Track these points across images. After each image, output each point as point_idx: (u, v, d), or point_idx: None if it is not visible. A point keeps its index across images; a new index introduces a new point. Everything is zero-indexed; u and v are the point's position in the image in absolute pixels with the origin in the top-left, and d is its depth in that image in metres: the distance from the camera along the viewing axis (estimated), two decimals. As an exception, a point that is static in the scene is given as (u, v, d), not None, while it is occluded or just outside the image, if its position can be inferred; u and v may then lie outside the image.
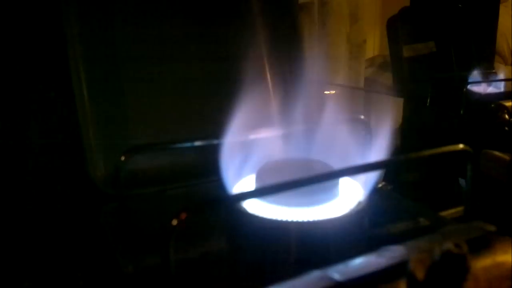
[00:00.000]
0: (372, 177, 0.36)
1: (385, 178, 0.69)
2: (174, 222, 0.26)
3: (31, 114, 0.52)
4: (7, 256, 0.45)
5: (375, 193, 0.39)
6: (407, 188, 0.66)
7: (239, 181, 0.37)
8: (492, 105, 0.78)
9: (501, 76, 0.92)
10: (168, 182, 0.46)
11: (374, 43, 1.79)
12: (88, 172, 0.45)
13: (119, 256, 0.35)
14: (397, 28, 0.92)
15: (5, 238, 0.47)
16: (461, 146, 0.36)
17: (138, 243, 0.36)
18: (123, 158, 0.35)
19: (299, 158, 0.38)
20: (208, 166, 0.37)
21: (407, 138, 1.00)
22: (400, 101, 1.03)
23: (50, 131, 0.52)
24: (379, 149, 0.38)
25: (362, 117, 0.44)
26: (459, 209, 0.45)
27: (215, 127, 0.39)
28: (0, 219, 0.49)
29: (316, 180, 0.31)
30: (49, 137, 0.51)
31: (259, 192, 0.31)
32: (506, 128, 0.74)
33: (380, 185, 0.47)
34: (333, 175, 0.34)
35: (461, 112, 0.80)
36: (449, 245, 0.22)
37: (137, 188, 0.42)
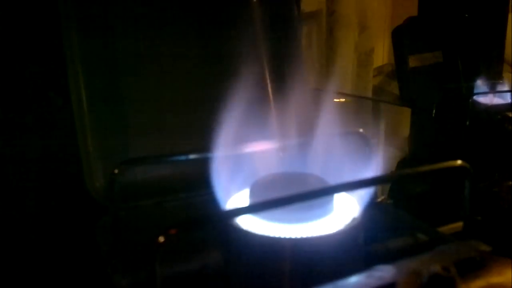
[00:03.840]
0: (367, 192, 0.35)
1: (390, 191, 0.69)
2: (161, 239, 0.26)
3: (27, 124, 0.52)
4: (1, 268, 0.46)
5: (374, 208, 0.39)
6: (411, 201, 0.66)
7: (234, 195, 0.36)
8: (498, 117, 0.78)
9: (510, 86, 0.91)
10: (166, 193, 0.46)
11: (383, 52, 1.78)
12: (85, 183, 0.45)
13: (112, 270, 0.35)
14: (402, 38, 0.92)
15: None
16: (459, 162, 0.35)
17: (133, 256, 0.36)
18: (116, 171, 0.35)
19: (294, 172, 0.37)
20: (206, 178, 0.37)
21: (415, 147, 1.00)
22: (409, 110, 1.03)
23: (47, 139, 0.52)
24: (377, 163, 0.38)
25: (361, 130, 0.44)
26: (460, 223, 0.44)
27: (214, 137, 0.38)
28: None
29: (309, 196, 0.31)
30: (46, 146, 0.51)
31: (251, 209, 0.30)
32: (512, 140, 0.74)
33: (380, 199, 0.47)
34: (327, 191, 0.33)
35: (467, 123, 0.79)
36: (437, 268, 0.22)
37: (134, 200, 0.42)
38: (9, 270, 0.47)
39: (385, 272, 0.26)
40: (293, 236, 0.31)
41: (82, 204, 0.47)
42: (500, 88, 0.87)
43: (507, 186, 0.69)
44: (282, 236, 0.31)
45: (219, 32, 0.56)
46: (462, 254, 0.27)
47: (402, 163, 0.95)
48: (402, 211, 0.45)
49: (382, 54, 1.77)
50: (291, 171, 0.38)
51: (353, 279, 0.26)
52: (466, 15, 0.96)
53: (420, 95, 0.91)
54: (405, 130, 1.10)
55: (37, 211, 0.51)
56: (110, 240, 0.38)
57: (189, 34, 0.54)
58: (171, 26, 0.54)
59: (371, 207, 0.36)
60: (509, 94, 0.84)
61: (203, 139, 0.48)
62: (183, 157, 0.37)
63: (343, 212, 0.35)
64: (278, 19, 0.59)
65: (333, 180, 0.36)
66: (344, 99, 1.01)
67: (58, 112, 0.53)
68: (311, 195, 0.31)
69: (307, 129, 0.40)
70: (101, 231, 0.40)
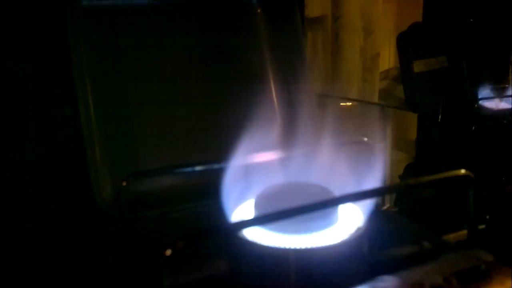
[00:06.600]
0: (371, 202, 0.35)
1: (395, 199, 0.69)
2: (168, 252, 0.26)
3: (34, 134, 0.52)
4: (10, 279, 0.46)
5: (379, 216, 0.39)
6: (417, 208, 0.66)
7: (240, 205, 0.37)
8: (504, 121, 0.78)
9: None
10: (173, 204, 0.46)
11: (389, 56, 1.78)
12: (94, 194, 0.45)
13: (120, 281, 0.35)
14: (407, 43, 0.92)
15: (9, 259, 0.48)
16: (462, 171, 0.36)
17: (140, 267, 0.37)
18: (124, 183, 0.35)
19: (299, 183, 0.38)
20: (212, 188, 0.37)
21: (422, 151, 0.99)
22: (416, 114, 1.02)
23: (55, 149, 0.52)
24: (382, 172, 0.38)
25: (366, 139, 0.44)
26: (465, 232, 0.44)
27: (221, 149, 0.39)
28: (3, 241, 0.49)
29: (314, 208, 0.32)
30: (54, 155, 0.52)
31: (256, 221, 0.31)
32: (519, 145, 0.73)
33: (385, 207, 0.47)
34: (332, 203, 0.34)
35: (473, 128, 0.79)
36: (439, 279, 0.22)
37: (141, 210, 0.42)
38: (18, 281, 0.47)
39: (388, 282, 0.26)
40: (298, 247, 0.31)
41: (90, 214, 0.47)
42: (506, 93, 0.87)
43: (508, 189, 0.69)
44: (287, 246, 0.31)
45: (224, 40, 0.57)
46: (465, 264, 0.28)
47: (409, 167, 0.95)
48: (407, 219, 0.45)
49: (388, 58, 1.76)
50: (296, 181, 0.38)
51: (357, 290, 0.26)
52: (471, 20, 0.96)
53: (426, 100, 0.91)
54: (413, 133, 1.10)
55: (45, 221, 0.51)
56: (118, 251, 0.39)
57: (195, 44, 0.54)
58: (177, 37, 0.55)
59: (377, 215, 0.36)
60: (515, 98, 0.83)
61: (209, 149, 0.49)
62: (189, 169, 0.38)
63: (348, 221, 0.35)
64: (282, 27, 0.60)
65: (338, 189, 0.37)
66: (350, 103, 1.01)
67: (66, 121, 0.54)
68: (316, 207, 0.31)
69: (312, 137, 0.41)
70: (109, 241, 0.40)
